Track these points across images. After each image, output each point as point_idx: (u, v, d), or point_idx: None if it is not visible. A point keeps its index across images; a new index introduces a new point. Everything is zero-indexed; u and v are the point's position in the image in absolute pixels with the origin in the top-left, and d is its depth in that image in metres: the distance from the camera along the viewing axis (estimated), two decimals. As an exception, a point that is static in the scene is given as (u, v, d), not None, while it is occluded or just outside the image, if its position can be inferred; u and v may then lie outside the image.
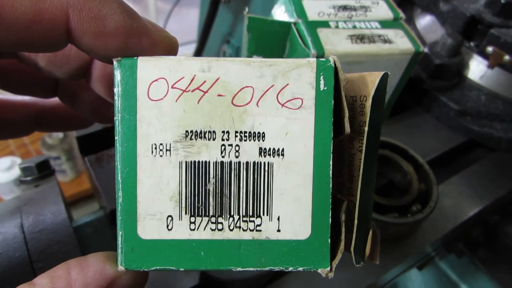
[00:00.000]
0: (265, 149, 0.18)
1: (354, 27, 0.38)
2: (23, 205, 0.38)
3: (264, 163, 0.18)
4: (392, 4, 0.42)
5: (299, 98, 0.18)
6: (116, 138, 0.17)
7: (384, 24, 0.39)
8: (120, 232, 0.17)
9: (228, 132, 0.18)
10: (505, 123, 0.48)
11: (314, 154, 0.18)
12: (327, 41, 0.36)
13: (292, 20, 0.39)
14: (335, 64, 0.17)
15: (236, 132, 0.18)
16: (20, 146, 1.42)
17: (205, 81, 0.17)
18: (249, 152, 0.18)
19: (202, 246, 0.18)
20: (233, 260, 0.18)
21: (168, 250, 0.17)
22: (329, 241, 0.18)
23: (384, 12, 0.41)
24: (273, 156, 0.18)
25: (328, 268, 0.18)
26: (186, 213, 0.18)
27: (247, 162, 0.18)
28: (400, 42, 0.38)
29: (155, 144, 0.18)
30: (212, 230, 0.18)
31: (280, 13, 0.41)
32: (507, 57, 0.45)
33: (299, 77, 0.18)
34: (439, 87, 0.48)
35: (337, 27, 0.38)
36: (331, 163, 0.18)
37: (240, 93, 0.18)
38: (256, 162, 0.18)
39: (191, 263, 0.17)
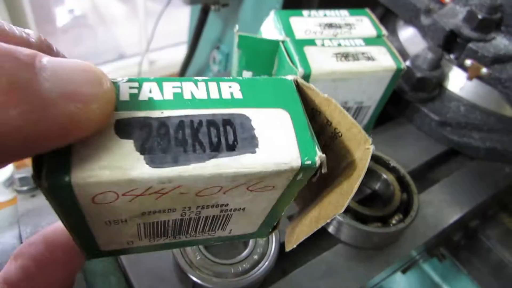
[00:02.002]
0: (226, 209, 0.18)
1: (339, 44, 0.40)
2: (20, 216, 0.39)
3: (224, 215, 0.18)
4: (375, 22, 0.44)
5: (271, 186, 0.16)
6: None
7: (368, 41, 0.41)
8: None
9: (189, 207, 0.17)
10: (482, 132, 0.50)
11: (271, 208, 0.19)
12: (313, 59, 0.38)
13: (280, 38, 0.40)
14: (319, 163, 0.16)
15: (198, 206, 0.17)
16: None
17: (164, 188, 0.15)
18: (210, 212, 0.17)
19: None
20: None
21: None
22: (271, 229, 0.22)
23: (368, 29, 0.43)
24: (234, 211, 0.18)
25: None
26: (145, 237, 0.19)
27: (206, 216, 0.18)
28: (383, 59, 0.40)
29: (108, 221, 0.16)
30: (170, 240, 0.20)
31: (269, 30, 0.43)
32: (484, 70, 0.47)
33: (277, 177, 0.16)
34: (420, 99, 0.50)
35: (323, 45, 0.40)
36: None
37: (206, 190, 0.15)
38: (215, 215, 0.18)
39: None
